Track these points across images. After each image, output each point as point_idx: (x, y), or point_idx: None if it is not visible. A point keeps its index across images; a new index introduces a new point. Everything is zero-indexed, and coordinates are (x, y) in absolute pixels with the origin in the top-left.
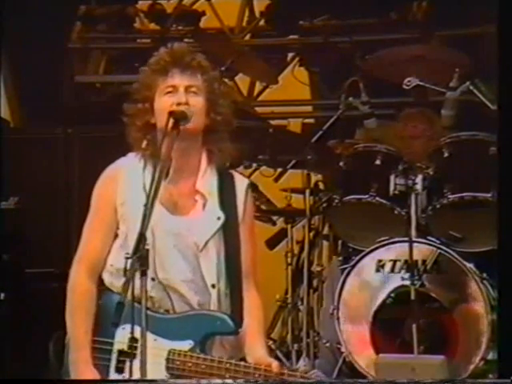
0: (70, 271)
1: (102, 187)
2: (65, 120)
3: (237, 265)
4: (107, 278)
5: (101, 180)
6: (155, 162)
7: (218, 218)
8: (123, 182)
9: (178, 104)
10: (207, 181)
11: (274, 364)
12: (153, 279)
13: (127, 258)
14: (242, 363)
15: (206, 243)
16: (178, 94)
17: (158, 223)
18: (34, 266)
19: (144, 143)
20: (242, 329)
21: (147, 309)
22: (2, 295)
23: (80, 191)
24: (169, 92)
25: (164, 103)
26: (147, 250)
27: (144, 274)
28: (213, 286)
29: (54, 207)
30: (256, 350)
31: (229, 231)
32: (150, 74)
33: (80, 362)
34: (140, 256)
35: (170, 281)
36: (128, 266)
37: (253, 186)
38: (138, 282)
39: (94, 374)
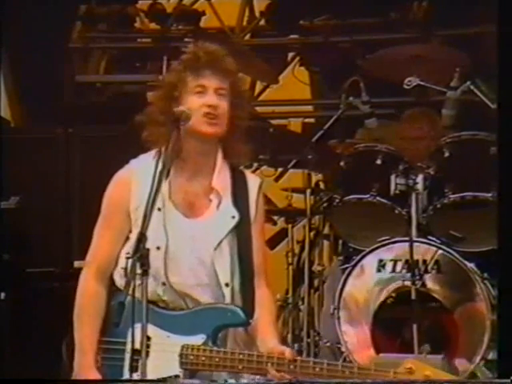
0: (72, 271)
1: (113, 191)
2: (65, 120)
3: (249, 263)
4: (118, 280)
5: (112, 184)
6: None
7: (233, 217)
8: (136, 186)
9: (209, 106)
10: (223, 178)
11: (287, 351)
12: (164, 284)
13: (128, 258)
14: (255, 353)
15: (220, 242)
16: (207, 95)
17: (172, 228)
18: (35, 266)
19: (173, 137)
20: (253, 320)
21: (162, 308)
22: (3, 295)
23: (80, 191)
24: (199, 92)
25: (193, 103)
26: (147, 250)
27: (145, 273)
28: (226, 284)
29: (55, 207)
30: (268, 340)
31: (242, 230)
32: (181, 71)
33: (83, 367)
34: (140, 256)
35: (182, 285)
36: (129, 266)
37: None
38: (145, 281)
39: (96, 377)
